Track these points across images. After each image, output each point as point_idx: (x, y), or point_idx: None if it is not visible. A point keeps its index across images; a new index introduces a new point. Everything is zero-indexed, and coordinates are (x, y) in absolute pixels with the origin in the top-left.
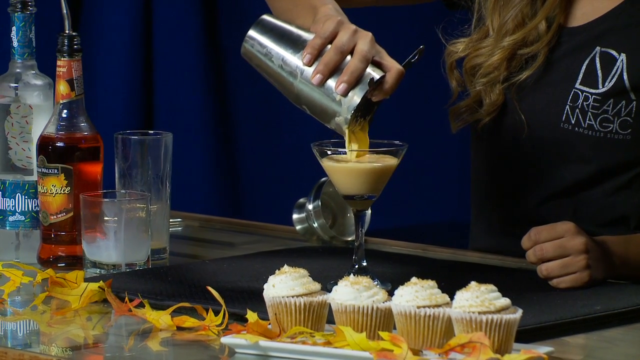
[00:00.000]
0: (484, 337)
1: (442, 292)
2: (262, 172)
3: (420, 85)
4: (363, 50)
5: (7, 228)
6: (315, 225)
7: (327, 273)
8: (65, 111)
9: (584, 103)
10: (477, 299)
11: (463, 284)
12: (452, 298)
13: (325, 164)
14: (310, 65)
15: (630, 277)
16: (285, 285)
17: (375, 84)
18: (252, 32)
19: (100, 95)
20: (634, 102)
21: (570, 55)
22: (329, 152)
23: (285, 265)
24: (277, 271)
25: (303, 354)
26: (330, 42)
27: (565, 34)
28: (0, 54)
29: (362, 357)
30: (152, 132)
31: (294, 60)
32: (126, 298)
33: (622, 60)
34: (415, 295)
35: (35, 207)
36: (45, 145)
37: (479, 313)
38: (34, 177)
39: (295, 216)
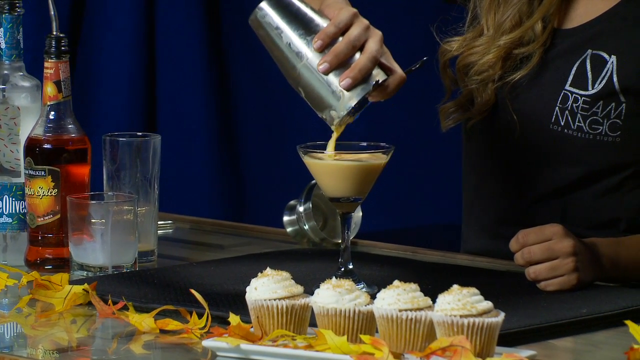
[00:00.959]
0: (465, 341)
1: (428, 294)
2: (265, 172)
3: (412, 85)
4: (373, 49)
5: None
6: (306, 227)
7: (314, 276)
8: (52, 113)
9: (574, 105)
10: (459, 302)
11: (449, 287)
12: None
13: (308, 161)
14: (320, 52)
15: (620, 279)
16: (267, 288)
17: (377, 86)
18: (265, 3)
19: (103, 96)
20: (624, 104)
21: (562, 56)
22: (312, 151)
23: (268, 268)
24: (259, 274)
25: (283, 357)
26: (343, 33)
27: (558, 36)
28: None
29: None
30: (140, 133)
31: (302, 42)
32: (109, 301)
33: (612, 62)
34: (397, 299)
35: (23, 209)
36: (32, 147)
37: (461, 316)
38: (22, 179)
39: (285, 218)
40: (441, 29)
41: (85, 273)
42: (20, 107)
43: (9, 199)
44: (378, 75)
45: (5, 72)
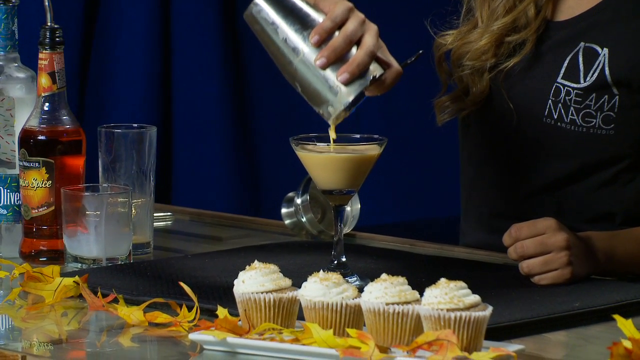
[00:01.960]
0: (451, 335)
1: (422, 288)
2: (281, 166)
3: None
4: (370, 44)
5: None
6: (304, 219)
7: (310, 268)
8: (47, 104)
9: (566, 97)
10: (446, 296)
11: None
12: None
13: (300, 153)
14: (316, 47)
15: (616, 273)
16: (255, 281)
17: (374, 81)
18: None
19: (119, 88)
20: (617, 97)
21: (554, 49)
22: (304, 143)
23: (256, 261)
24: (247, 267)
25: (270, 350)
26: (339, 27)
27: (551, 28)
28: None
29: (328, 354)
30: (136, 125)
31: (299, 38)
32: (99, 293)
33: (604, 54)
34: (384, 292)
35: (17, 200)
36: (26, 139)
37: (448, 310)
38: (17, 171)
39: (283, 210)
40: (435, 22)
41: (79, 265)
42: (15, 99)
43: (5, 191)
44: (375, 70)
45: (0, 63)
